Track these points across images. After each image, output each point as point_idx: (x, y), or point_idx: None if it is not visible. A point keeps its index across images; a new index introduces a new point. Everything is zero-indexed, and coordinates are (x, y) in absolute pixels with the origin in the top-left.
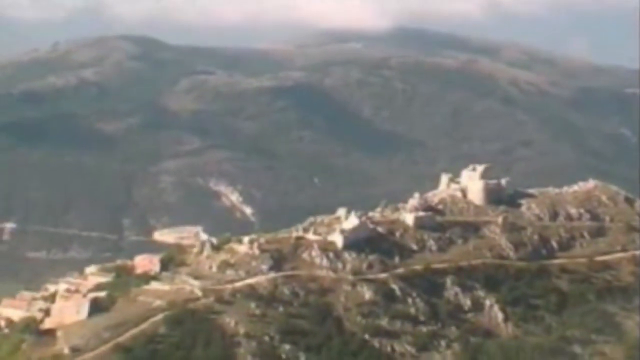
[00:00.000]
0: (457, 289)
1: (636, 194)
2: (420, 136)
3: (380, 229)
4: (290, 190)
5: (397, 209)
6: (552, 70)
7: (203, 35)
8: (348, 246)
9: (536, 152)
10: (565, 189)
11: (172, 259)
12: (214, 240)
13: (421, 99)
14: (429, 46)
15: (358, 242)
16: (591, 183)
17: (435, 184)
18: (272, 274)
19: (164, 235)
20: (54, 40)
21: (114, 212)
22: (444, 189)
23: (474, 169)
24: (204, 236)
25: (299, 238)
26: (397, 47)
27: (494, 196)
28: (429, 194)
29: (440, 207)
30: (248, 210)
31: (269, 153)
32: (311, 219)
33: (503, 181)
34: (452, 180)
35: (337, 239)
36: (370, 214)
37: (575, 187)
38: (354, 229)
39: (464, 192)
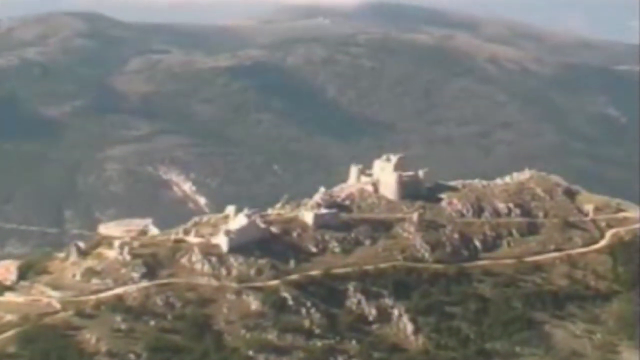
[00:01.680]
0: (361, 297)
1: (624, 176)
2: (389, 119)
3: (274, 229)
4: (248, 179)
5: (299, 206)
6: (536, 46)
7: (159, 12)
8: (234, 249)
9: (517, 134)
10: (495, 181)
11: (32, 267)
12: (82, 244)
13: (391, 79)
14: (403, 21)
15: (246, 244)
16: (526, 174)
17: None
18: (145, 283)
19: (110, 229)
20: None
21: (56, 204)
22: (354, 182)
23: (387, 159)
24: (154, 229)
25: (178, 241)
26: (367, 22)
27: (410, 190)
28: (336, 189)
29: (347, 203)
30: (202, 201)
31: (224, 138)
32: (196, 218)
33: (421, 173)
34: (363, 172)
35: (222, 242)
36: (271, 211)
37: (507, 179)
38: (242, 230)
39: (375, 185)
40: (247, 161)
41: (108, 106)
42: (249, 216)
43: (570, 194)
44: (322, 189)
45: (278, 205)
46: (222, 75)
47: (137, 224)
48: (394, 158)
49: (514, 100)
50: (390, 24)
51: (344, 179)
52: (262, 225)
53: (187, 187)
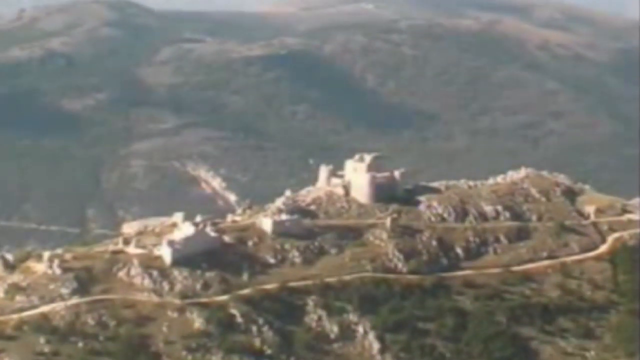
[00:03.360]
0: (322, 313)
1: None
2: (432, 109)
3: (226, 238)
4: (282, 174)
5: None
6: (590, 31)
7: None
8: (179, 262)
9: (569, 125)
10: (485, 181)
11: None
12: (10, 257)
13: (434, 67)
14: (448, 6)
15: (193, 256)
16: (522, 172)
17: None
18: (75, 300)
19: (134, 228)
20: (19, 6)
21: (78, 202)
22: (323, 184)
23: (360, 159)
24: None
25: (116, 252)
26: (411, 7)
27: (385, 192)
28: (302, 192)
29: (312, 208)
30: (232, 198)
31: (257, 132)
32: (141, 226)
33: (397, 173)
34: (333, 173)
35: (165, 253)
36: (237, 217)
37: (499, 179)
38: (188, 240)
39: (346, 188)
40: (280, 156)
41: (134, 99)
42: (197, 224)
43: (571, 195)
44: (287, 193)
45: (238, 211)
46: (255, 65)
47: (164, 222)
48: (367, 157)
49: (566, 89)
50: (434, 9)
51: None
52: (213, 234)
53: (217, 183)
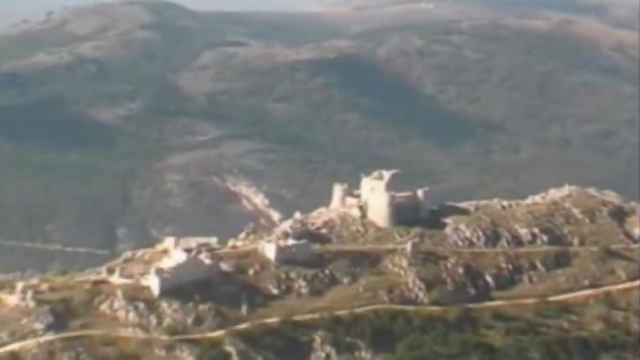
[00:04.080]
0: (330, 350)
1: None
2: (497, 118)
3: (224, 266)
4: (331, 190)
5: (269, 235)
6: None
7: None
8: (168, 293)
9: None
10: (521, 201)
11: None
12: None
13: (499, 72)
14: (515, 5)
15: (185, 286)
16: (564, 190)
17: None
18: (50, 336)
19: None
20: (47, 8)
21: (107, 221)
22: (336, 205)
23: (379, 177)
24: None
25: (98, 282)
26: (474, 6)
27: (407, 214)
28: (313, 214)
29: (323, 231)
30: (276, 216)
31: (304, 143)
32: (128, 253)
33: (420, 193)
34: (348, 193)
35: (153, 283)
36: (238, 242)
37: (538, 198)
38: (179, 268)
39: (363, 209)
40: (329, 169)
41: (170, 108)
42: (189, 251)
43: (619, 215)
44: (296, 215)
45: (241, 236)
46: (302, 70)
47: (201, 243)
48: (386, 175)
49: None
50: (499, 8)
51: (445, 189)
52: (207, 262)
53: (259, 200)
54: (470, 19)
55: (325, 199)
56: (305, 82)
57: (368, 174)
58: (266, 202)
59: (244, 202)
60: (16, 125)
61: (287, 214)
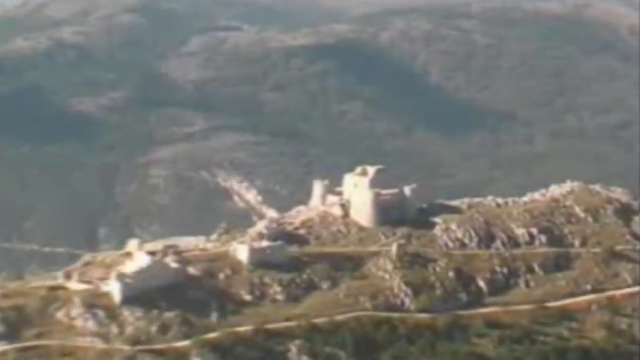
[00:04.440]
0: None
1: None
2: (508, 108)
3: (192, 270)
4: (329, 186)
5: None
6: None
7: None
8: (131, 299)
9: None
10: (518, 198)
11: None
12: None
13: (511, 58)
14: None
15: (149, 292)
16: (566, 186)
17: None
18: (1, 346)
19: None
20: None
21: (88, 220)
22: (316, 203)
23: (362, 173)
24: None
25: (54, 288)
26: None
27: (393, 213)
28: (291, 213)
29: (301, 232)
30: (271, 214)
31: (300, 135)
32: (88, 256)
33: (407, 189)
34: (330, 190)
35: (114, 289)
36: (208, 244)
37: (537, 195)
38: (143, 272)
39: (345, 207)
40: (328, 163)
41: (156, 97)
42: (154, 253)
43: (626, 214)
44: (271, 214)
45: (213, 237)
46: (298, 57)
47: (189, 243)
48: (371, 170)
49: None
50: None
51: (452, 184)
52: (174, 265)
53: (252, 196)
54: (480, 0)
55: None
56: (302, 69)
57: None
58: (259, 198)
59: (236, 198)
60: None
61: (282, 212)
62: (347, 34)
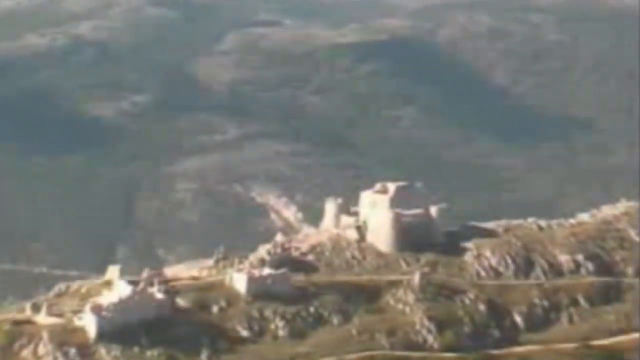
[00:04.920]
0: None
1: None
2: (583, 113)
3: (181, 302)
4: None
5: (241, 262)
6: None
7: None
8: (108, 335)
9: None
10: (564, 220)
11: None
12: None
13: (586, 57)
14: None
15: (130, 326)
16: (620, 206)
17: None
18: None
19: (180, 273)
20: None
21: (105, 239)
22: (328, 225)
23: (382, 190)
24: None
25: (19, 322)
26: None
27: (417, 236)
28: (299, 236)
29: (310, 258)
30: (278, 237)
31: (346, 144)
32: (61, 285)
33: (434, 210)
34: (344, 209)
35: (89, 323)
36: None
37: (586, 217)
38: (123, 304)
39: (361, 230)
40: (377, 175)
41: (184, 102)
42: (136, 283)
43: None
44: (278, 237)
45: (210, 263)
46: (345, 56)
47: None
48: (392, 187)
49: None
50: None
51: (518, 199)
52: (159, 296)
53: (291, 213)
54: None
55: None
56: (349, 70)
57: (426, 182)
58: (299, 215)
59: (273, 215)
60: None
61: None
62: (401, 30)
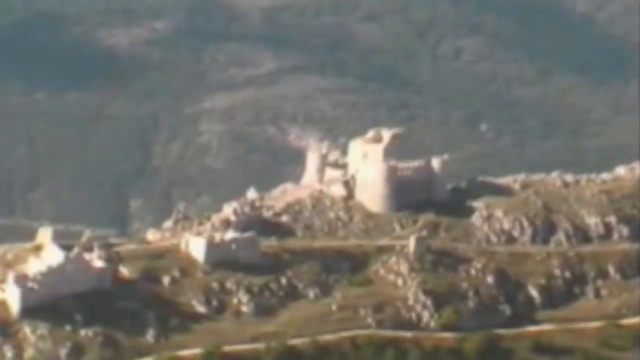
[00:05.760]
0: None
1: None
2: None
3: (125, 271)
4: (437, 146)
5: (202, 223)
6: None
7: None
8: (34, 311)
9: None
10: (591, 176)
11: None
12: None
13: None
14: None
15: (61, 301)
16: None
17: None
18: None
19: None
20: None
21: (117, 189)
22: (311, 178)
23: (375, 138)
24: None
25: None
26: None
27: (414, 194)
28: (274, 192)
29: (284, 219)
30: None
31: (399, 79)
32: None
33: (436, 162)
34: (329, 160)
35: (12, 296)
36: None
37: (620, 171)
38: (53, 274)
39: (349, 185)
40: (435, 117)
41: (211, 29)
42: (70, 247)
43: None
44: (250, 192)
45: (168, 224)
46: None
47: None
48: (386, 135)
49: None
50: None
51: (601, 145)
52: (98, 264)
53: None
54: None
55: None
56: None
57: (491, 124)
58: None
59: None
60: None
61: None
62: None
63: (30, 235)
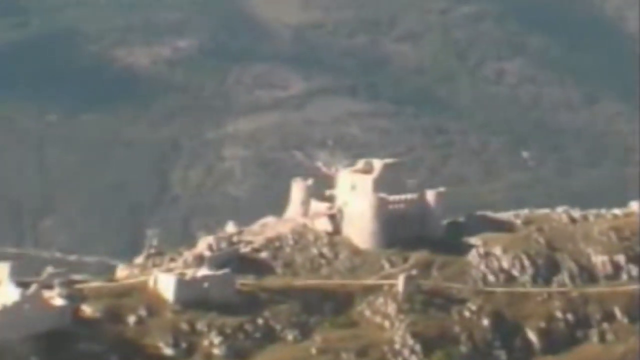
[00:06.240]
0: None
1: None
2: None
3: (88, 311)
4: (475, 175)
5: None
6: None
7: None
8: None
9: None
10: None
11: None
12: None
13: None
14: None
15: (16, 343)
16: None
17: None
18: None
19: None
20: None
21: (132, 217)
22: (295, 212)
23: (365, 169)
24: None
25: None
26: None
27: (407, 229)
28: (254, 226)
29: (264, 255)
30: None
31: (436, 104)
32: None
33: (430, 195)
34: (316, 193)
35: None
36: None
37: (635, 206)
38: (8, 312)
39: (335, 220)
40: (473, 144)
41: (237, 48)
42: (27, 285)
43: None
44: (228, 225)
45: (139, 259)
46: None
47: None
48: (377, 165)
49: None
50: None
51: None
52: (59, 302)
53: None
54: None
55: (467, 188)
56: (444, 11)
57: (531, 150)
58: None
59: None
60: (7, 72)
61: None
62: None
63: (39, 266)
